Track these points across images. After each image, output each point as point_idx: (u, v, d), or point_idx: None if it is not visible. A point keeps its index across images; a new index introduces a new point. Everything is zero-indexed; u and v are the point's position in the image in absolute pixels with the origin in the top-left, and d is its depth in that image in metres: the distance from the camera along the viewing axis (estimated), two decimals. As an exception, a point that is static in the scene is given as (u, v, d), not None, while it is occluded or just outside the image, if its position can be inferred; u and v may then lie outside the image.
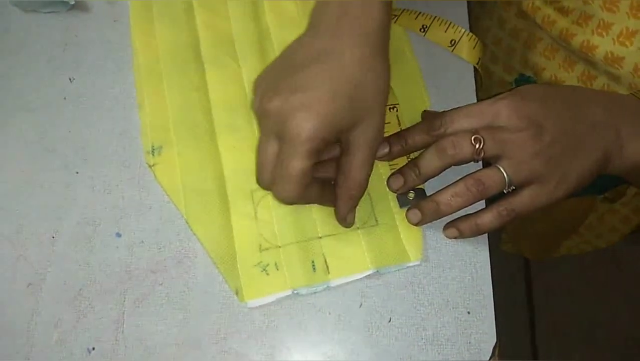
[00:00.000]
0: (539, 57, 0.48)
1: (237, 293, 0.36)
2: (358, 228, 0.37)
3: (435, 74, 0.42)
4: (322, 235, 0.37)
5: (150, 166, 0.39)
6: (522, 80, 0.51)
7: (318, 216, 0.37)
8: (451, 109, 0.35)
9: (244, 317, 0.35)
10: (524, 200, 0.34)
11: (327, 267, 0.36)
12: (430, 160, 0.35)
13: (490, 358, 0.36)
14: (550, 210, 0.63)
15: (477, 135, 0.33)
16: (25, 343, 0.35)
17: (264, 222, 0.37)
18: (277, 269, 0.36)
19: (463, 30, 0.39)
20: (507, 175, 0.33)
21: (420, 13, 0.39)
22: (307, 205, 0.37)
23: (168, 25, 0.42)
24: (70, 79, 0.42)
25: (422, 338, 0.35)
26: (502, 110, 0.34)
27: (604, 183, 0.56)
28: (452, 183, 0.35)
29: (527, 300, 1.06)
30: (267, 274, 0.36)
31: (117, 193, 0.38)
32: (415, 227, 0.37)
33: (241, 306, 0.36)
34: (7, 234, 0.37)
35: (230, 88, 0.41)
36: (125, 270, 0.36)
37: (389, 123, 0.39)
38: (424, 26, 0.39)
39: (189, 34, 0.42)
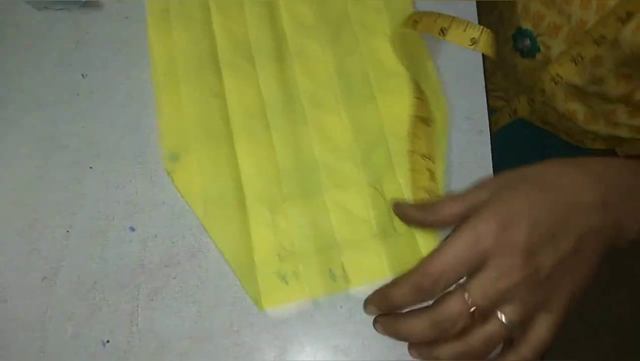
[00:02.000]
0: (539, 6, 0.49)
1: (256, 302, 0.36)
2: (376, 236, 0.37)
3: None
4: (341, 244, 0.37)
5: (168, 173, 0.39)
6: (519, 34, 0.52)
7: (336, 223, 0.38)
8: (434, 254, 0.29)
9: (256, 311, 0.36)
10: (540, 335, 0.30)
11: (347, 275, 0.36)
12: (422, 329, 0.30)
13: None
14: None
15: (473, 304, 0.29)
16: (40, 337, 0.35)
17: (282, 230, 0.37)
18: (297, 278, 0.36)
19: (481, 27, 0.39)
20: (509, 322, 0.29)
21: (439, 15, 0.39)
22: (324, 213, 0.38)
23: (185, 29, 0.42)
24: (82, 75, 0.42)
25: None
26: (488, 251, 0.29)
27: None
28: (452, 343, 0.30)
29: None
30: (287, 283, 0.36)
31: (130, 188, 0.39)
32: (432, 235, 0.37)
33: (254, 300, 0.36)
34: (20, 229, 0.38)
35: (247, 92, 0.41)
36: (139, 264, 0.37)
37: (418, 137, 0.39)
38: (443, 29, 0.39)
39: (206, 38, 0.42)
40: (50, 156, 0.39)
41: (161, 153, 0.39)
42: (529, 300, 0.29)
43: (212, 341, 0.35)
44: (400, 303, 0.31)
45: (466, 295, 0.29)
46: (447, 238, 0.29)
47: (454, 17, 0.39)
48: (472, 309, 0.29)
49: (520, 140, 0.62)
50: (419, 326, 0.30)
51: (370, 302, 0.32)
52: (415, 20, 0.40)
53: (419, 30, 0.40)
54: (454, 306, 0.29)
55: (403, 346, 0.35)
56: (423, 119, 0.39)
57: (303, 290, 0.36)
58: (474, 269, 0.29)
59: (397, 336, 0.31)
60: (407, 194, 0.38)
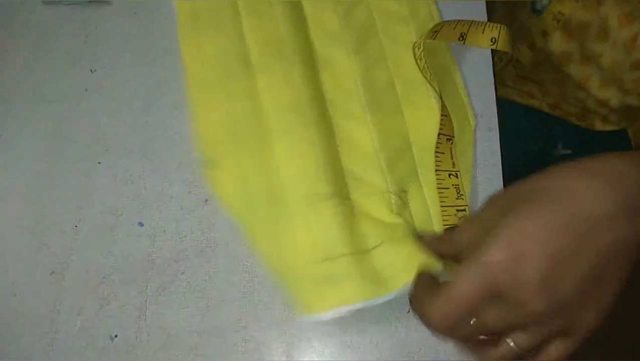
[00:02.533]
0: None
1: (301, 307, 0.34)
2: (407, 236, 0.36)
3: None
4: (377, 245, 0.36)
5: (209, 180, 0.38)
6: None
7: (366, 229, 0.36)
8: (443, 295, 0.28)
9: (264, 306, 0.36)
10: (552, 357, 0.29)
11: (387, 278, 0.35)
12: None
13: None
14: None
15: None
16: (49, 331, 0.35)
17: (323, 230, 0.36)
18: (343, 280, 0.34)
19: (499, 26, 0.38)
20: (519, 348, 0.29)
21: (458, 21, 0.39)
22: (356, 218, 0.37)
23: (216, 33, 0.42)
24: (91, 71, 0.42)
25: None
26: (501, 285, 0.27)
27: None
28: None
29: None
30: (333, 286, 0.34)
31: (139, 183, 0.39)
32: None
33: (262, 295, 0.36)
34: (29, 224, 0.38)
35: (283, 92, 0.39)
36: (148, 259, 0.37)
37: (443, 153, 0.39)
38: (462, 34, 0.38)
39: (237, 41, 0.41)
40: (59, 151, 0.40)
41: (199, 161, 0.38)
42: (544, 331, 0.28)
43: (220, 336, 0.35)
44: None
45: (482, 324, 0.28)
46: (457, 271, 0.28)
47: (472, 21, 0.38)
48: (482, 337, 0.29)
49: (529, 128, 0.62)
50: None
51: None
52: (435, 30, 0.39)
53: (439, 39, 0.39)
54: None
55: (412, 343, 0.35)
56: (448, 137, 0.39)
57: (351, 292, 0.34)
58: (488, 300, 0.27)
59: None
60: (432, 208, 0.38)
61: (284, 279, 0.35)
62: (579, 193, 0.27)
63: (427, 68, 0.40)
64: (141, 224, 0.38)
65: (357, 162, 0.39)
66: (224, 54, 0.41)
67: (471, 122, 0.41)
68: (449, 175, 0.38)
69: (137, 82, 0.42)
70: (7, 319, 0.35)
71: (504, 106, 0.43)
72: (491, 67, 0.43)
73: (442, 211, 0.37)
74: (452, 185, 0.38)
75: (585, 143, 0.61)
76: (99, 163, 0.39)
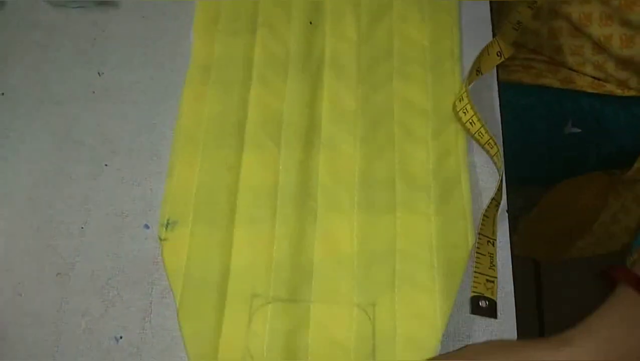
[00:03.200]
0: None
1: None
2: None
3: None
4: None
5: (160, 240, 0.37)
6: None
7: (312, 342, 0.34)
8: None
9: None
10: None
11: None
12: None
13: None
14: (564, 208, 0.63)
15: None
16: (54, 331, 0.35)
17: (255, 334, 0.34)
18: None
19: (495, 40, 0.39)
20: None
21: (491, 42, 0.39)
22: (304, 326, 0.35)
23: (221, 92, 0.41)
24: (99, 73, 0.42)
25: (444, 334, 0.36)
26: None
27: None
28: None
29: (537, 305, 1.06)
30: None
31: (145, 186, 0.39)
32: None
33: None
34: (36, 225, 0.38)
35: (262, 174, 0.39)
36: (153, 261, 0.37)
37: (488, 218, 0.38)
38: (478, 69, 0.39)
39: (239, 106, 0.40)
40: (66, 153, 0.40)
41: (158, 219, 0.38)
42: None
43: (224, 339, 0.35)
44: None
45: None
46: None
47: (478, 55, 0.39)
48: None
49: (539, 106, 0.61)
50: None
51: None
52: (478, 70, 0.40)
53: (484, 71, 0.40)
54: None
55: None
56: (497, 202, 0.38)
57: None
58: None
59: None
60: (400, 327, 0.35)
61: None
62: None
63: (477, 119, 0.39)
64: (147, 226, 0.38)
65: (328, 262, 0.36)
66: (221, 117, 0.40)
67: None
68: (488, 241, 0.37)
69: (144, 85, 0.42)
70: (13, 319, 0.36)
71: (513, 88, 0.42)
72: (496, 87, 0.43)
73: (474, 277, 0.36)
74: (488, 252, 0.37)
75: (597, 121, 0.60)
76: (106, 165, 0.39)
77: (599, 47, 0.54)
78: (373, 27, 0.44)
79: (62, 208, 0.38)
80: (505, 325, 0.36)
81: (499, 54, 0.38)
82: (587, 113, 0.60)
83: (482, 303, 0.35)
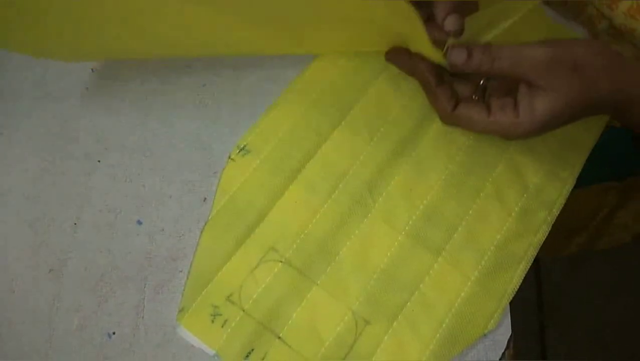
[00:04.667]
0: None
1: (180, 311, 0.35)
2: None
3: None
4: (283, 336, 0.35)
5: (229, 158, 0.39)
6: None
7: (296, 321, 0.35)
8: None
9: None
10: None
11: None
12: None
13: (505, 350, 0.36)
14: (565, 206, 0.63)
15: None
16: (47, 328, 0.35)
17: (254, 280, 0.36)
18: (222, 326, 0.34)
19: None
20: None
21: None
22: (297, 303, 0.35)
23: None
24: (92, 70, 0.42)
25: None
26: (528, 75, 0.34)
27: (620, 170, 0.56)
28: None
29: (537, 300, 1.06)
30: (212, 322, 0.35)
31: (137, 182, 0.39)
32: None
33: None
34: (29, 221, 0.38)
35: (343, 153, 0.39)
36: (146, 257, 0.37)
37: None
38: None
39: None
40: (59, 149, 0.40)
41: (237, 140, 0.39)
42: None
43: (218, 334, 0.35)
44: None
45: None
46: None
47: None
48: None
49: None
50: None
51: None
52: None
53: None
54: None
55: None
56: None
57: (217, 341, 0.34)
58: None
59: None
60: (380, 352, 0.34)
61: (193, 283, 0.36)
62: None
63: None
64: (140, 222, 0.38)
65: (352, 262, 0.37)
66: (333, 90, 0.42)
67: None
68: None
69: (138, 81, 0.42)
70: (5, 316, 0.36)
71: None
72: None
73: None
74: None
75: None
76: (99, 161, 0.39)
77: None
78: None
79: (55, 204, 0.38)
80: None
81: None
82: None
83: None
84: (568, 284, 1.07)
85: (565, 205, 0.40)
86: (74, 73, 0.42)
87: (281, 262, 0.36)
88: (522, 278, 0.37)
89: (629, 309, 1.04)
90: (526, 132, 0.35)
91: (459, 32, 0.35)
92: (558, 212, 0.39)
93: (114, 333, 0.35)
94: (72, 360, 0.35)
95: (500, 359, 0.36)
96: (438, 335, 0.35)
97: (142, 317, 0.35)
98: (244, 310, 0.35)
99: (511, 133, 0.35)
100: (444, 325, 0.35)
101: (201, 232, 0.37)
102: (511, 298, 0.37)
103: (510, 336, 0.36)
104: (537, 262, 1.11)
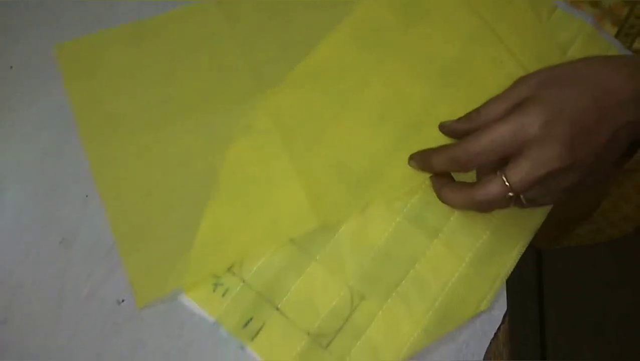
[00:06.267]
0: None
1: (184, 280, 0.36)
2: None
3: None
4: (281, 307, 0.36)
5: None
6: None
7: (296, 289, 0.36)
8: (477, 134, 0.32)
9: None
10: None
11: (257, 335, 0.35)
12: (459, 203, 0.34)
13: (501, 324, 0.37)
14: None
15: (510, 190, 0.32)
16: (58, 296, 0.36)
17: (253, 254, 0.37)
18: (222, 296, 0.36)
19: None
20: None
21: None
22: (296, 274, 0.37)
23: None
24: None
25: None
26: (530, 141, 0.31)
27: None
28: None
29: (538, 292, 1.07)
30: (213, 291, 0.36)
31: (147, 157, 0.40)
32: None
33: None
34: (42, 194, 0.39)
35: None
36: (154, 229, 0.38)
37: None
38: None
39: None
40: (70, 126, 0.41)
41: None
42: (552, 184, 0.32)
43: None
44: (436, 169, 0.36)
45: (504, 176, 0.31)
46: (491, 124, 0.32)
47: None
48: (510, 194, 0.31)
49: None
50: (457, 198, 0.34)
51: (412, 158, 0.38)
52: None
53: None
54: (493, 189, 0.32)
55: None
56: None
57: (219, 309, 0.35)
58: (509, 156, 0.31)
59: (429, 170, 0.37)
60: (373, 326, 0.36)
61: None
62: (605, 80, 0.32)
63: None
64: (148, 195, 0.39)
65: (350, 240, 0.38)
66: None
67: None
68: None
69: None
70: (19, 283, 0.37)
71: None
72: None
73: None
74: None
75: None
76: (109, 137, 0.41)
77: None
78: None
79: (66, 178, 0.40)
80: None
81: None
82: None
83: None
84: (570, 274, 1.07)
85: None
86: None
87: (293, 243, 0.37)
88: (516, 261, 0.38)
89: (630, 300, 1.05)
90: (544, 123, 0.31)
91: None
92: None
93: (122, 301, 0.36)
94: (82, 325, 0.36)
95: (495, 333, 0.37)
96: (430, 312, 0.36)
97: (150, 286, 0.37)
98: (244, 281, 0.36)
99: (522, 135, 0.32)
100: (436, 304, 0.36)
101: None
102: (505, 280, 0.38)
103: (506, 311, 0.37)
104: (539, 252, 1.11)
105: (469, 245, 0.38)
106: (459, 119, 0.36)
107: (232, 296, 0.36)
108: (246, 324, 0.35)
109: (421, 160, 0.37)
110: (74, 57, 0.43)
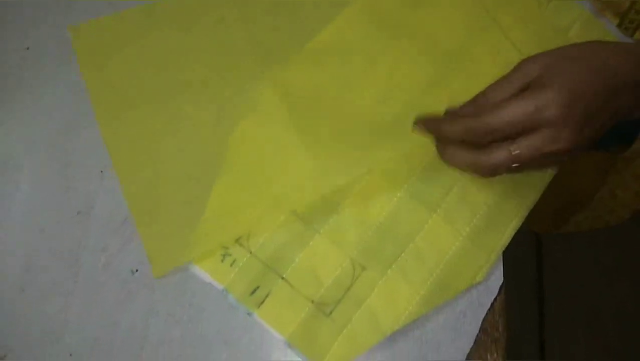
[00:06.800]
0: None
1: (194, 250, 0.37)
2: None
3: None
4: (286, 277, 0.37)
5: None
6: None
7: (300, 261, 0.38)
8: (497, 107, 0.33)
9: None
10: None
11: (263, 302, 0.37)
12: (462, 162, 0.35)
13: (497, 295, 0.39)
14: (563, 182, 0.65)
15: (516, 161, 0.33)
16: (74, 265, 0.38)
17: (260, 227, 0.38)
18: (231, 265, 0.37)
19: None
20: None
21: None
22: (300, 247, 0.38)
23: None
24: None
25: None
26: (547, 120, 0.32)
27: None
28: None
29: (537, 282, 1.08)
30: (222, 261, 0.37)
31: (160, 134, 0.42)
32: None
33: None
34: (59, 168, 0.41)
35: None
36: (167, 202, 0.40)
37: None
38: None
39: None
40: (86, 102, 0.42)
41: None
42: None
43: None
44: (448, 137, 0.35)
45: (513, 148, 0.32)
46: (510, 101, 0.32)
47: None
48: (514, 165, 0.33)
49: None
50: (461, 158, 0.35)
51: (420, 122, 0.36)
52: None
53: None
54: (499, 156, 0.33)
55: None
56: None
57: (227, 277, 0.37)
58: (525, 132, 0.32)
59: (438, 135, 0.36)
60: (374, 296, 0.37)
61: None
62: (613, 64, 0.33)
63: None
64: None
65: (352, 213, 0.39)
66: None
67: None
68: None
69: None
70: (36, 253, 0.39)
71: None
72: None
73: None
74: None
75: None
76: (124, 114, 0.42)
77: None
78: None
79: (83, 154, 0.41)
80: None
81: None
82: None
83: None
84: (567, 267, 1.08)
85: (562, 175, 0.42)
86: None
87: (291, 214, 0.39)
88: (512, 235, 0.40)
89: (627, 293, 1.06)
90: (561, 109, 0.32)
91: None
92: (551, 176, 0.42)
93: (137, 271, 0.38)
94: (98, 294, 0.38)
95: (492, 304, 0.38)
96: (428, 283, 0.37)
97: (163, 256, 0.38)
98: (251, 252, 0.38)
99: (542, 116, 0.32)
100: (434, 275, 0.38)
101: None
102: (501, 253, 0.39)
103: (502, 283, 0.39)
104: (538, 240, 1.12)
105: (466, 219, 0.39)
106: (465, 103, 0.37)
107: (239, 266, 0.37)
108: (253, 292, 0.37)
109: (431, 125, 0.36)
110: (88, 38, 0.44)
